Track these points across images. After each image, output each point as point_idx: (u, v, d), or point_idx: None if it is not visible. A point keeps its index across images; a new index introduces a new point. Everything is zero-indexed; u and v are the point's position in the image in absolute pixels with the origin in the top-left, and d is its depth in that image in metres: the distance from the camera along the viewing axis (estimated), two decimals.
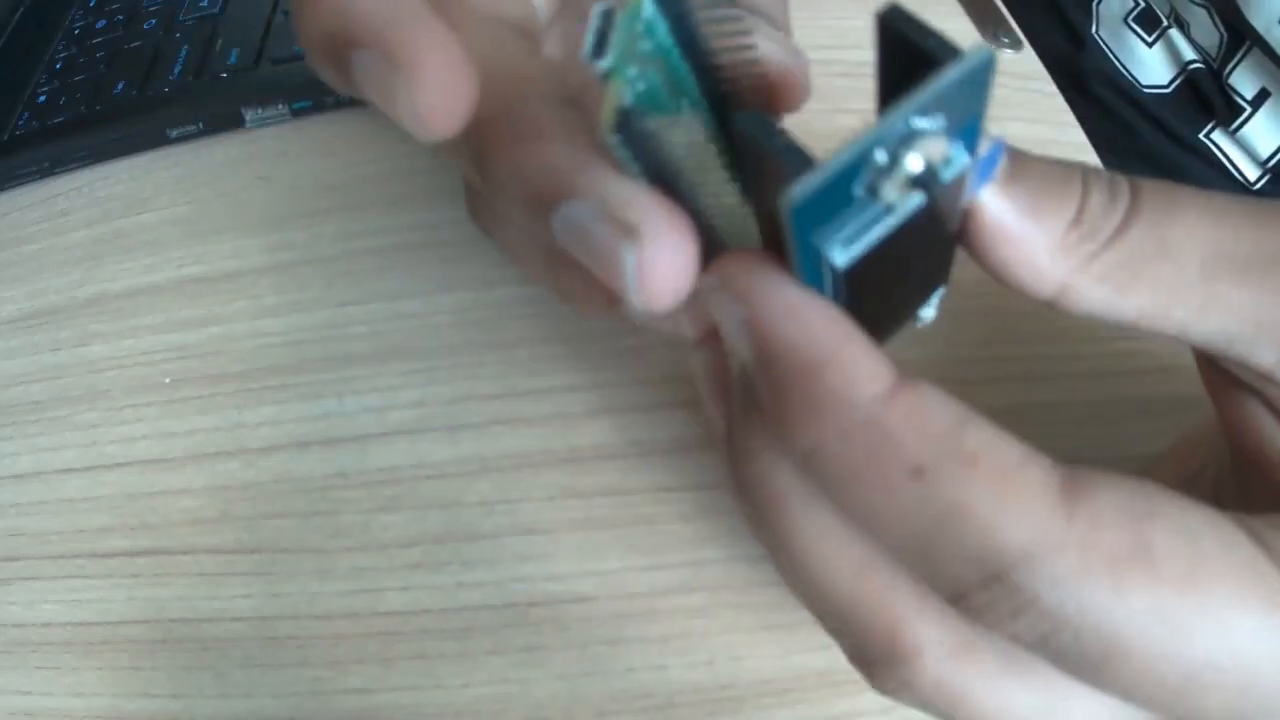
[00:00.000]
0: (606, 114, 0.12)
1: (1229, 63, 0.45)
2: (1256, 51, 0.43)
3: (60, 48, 0.39)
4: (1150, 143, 0.49)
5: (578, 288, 0.20)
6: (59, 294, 0.33)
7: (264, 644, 0.26)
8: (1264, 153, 0.46)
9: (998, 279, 0.15)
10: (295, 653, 0.26)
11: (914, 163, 0.12)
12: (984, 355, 0.29)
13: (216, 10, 0.38)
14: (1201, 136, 0.48)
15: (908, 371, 0.14)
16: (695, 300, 0.18)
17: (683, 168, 0.14)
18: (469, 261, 0.31)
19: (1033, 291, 0.15)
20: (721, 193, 0.14)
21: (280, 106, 0.35)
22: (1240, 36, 0.44)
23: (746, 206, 0.14)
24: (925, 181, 0.12)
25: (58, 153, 0.36)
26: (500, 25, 0.18)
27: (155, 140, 0.36)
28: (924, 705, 0.16)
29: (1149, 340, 0.27)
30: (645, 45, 0.13)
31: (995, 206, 0.14)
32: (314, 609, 0.26)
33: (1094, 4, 0.50)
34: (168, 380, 0.30)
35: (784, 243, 0.13)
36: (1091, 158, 0.34)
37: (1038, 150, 0.15)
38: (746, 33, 0.13)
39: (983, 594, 0.13)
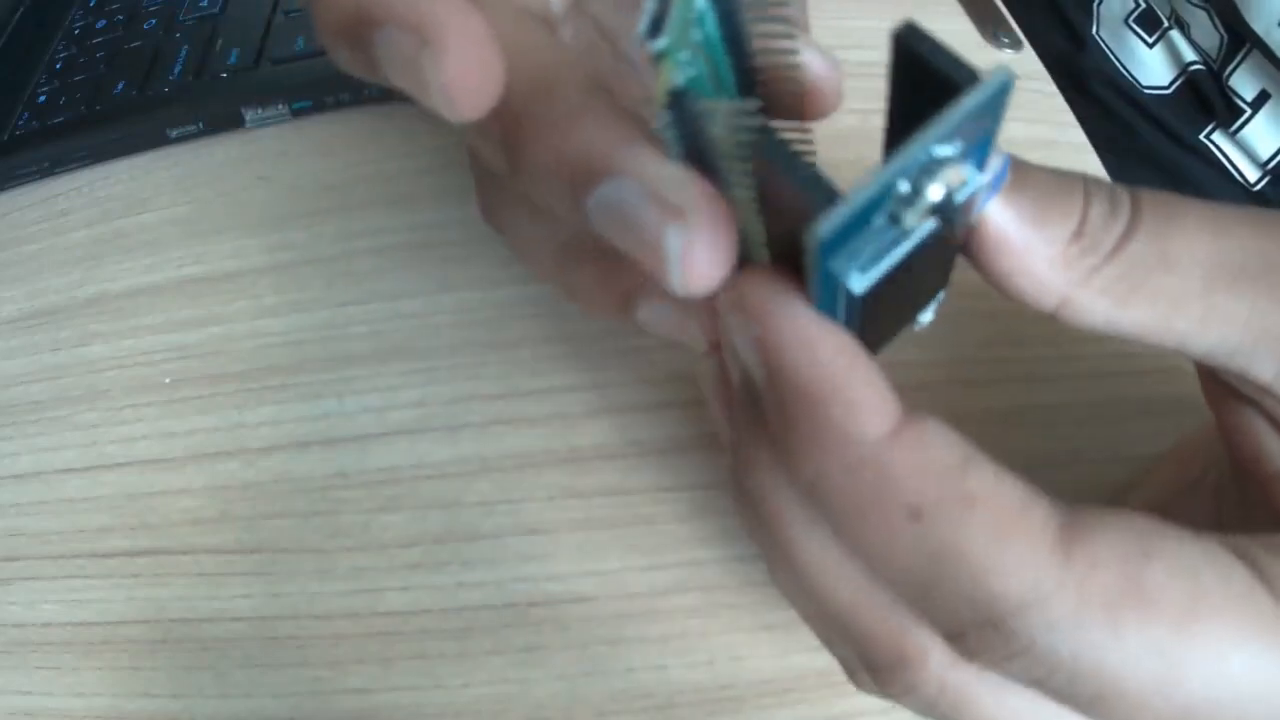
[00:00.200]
0: (659, 92, 0.12)
1: (1229, 64, 0.45)
2: (1256, 53, 0.43)
3: (60, 48, 0.39)
4: (1150, 143, 0.49)
5: (589, 288, 0.20)
6: (59, 294, 0.33)
7: (264, 644, 0.26)
8: (1264, 154, 0.46)
9: (1001, 290, 0.15)
10: (295, 653, 0.26)
11: (935, 191, 0.12)
12: (985, 357, 0.29)
13: (216, 10, 0.38)
14: (1202, 137, 0.48)
15: (913, 401, 0.14)
16: (707, 308, 0.18)
17: (716, 158, 0.14)
18: (470, 261, 0.31)
19: (1035, 303, 0.15)
20: (741, 192, 0.14)
21: (280, 106, 0.35)
22: (1240, 38, 0.44)
23: (760, 215, 0.14)
24: (944, 207, 0.12)
25: (58, 153, 0.36)
26: (522, 12, 0.18)
27: (155, 140, 0.36)
28: (929, 709, 0.16)
29: None
30: (695, 34, 0.13)
31: (999, 218, 0.14)
32: (314, 609, 0.26)
33: (1094, 4, 0.50)
34: (168, 380, 0.30)
35: (803, 266, 0.13)
36: (1091, 158, 0.34)
37: (1038, 151, 0.15)
38: (791, 37, 0.13)
39: (978, 636, 0.13)
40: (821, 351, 0.14)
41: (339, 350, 0.30)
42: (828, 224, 0.11)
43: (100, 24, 0.39)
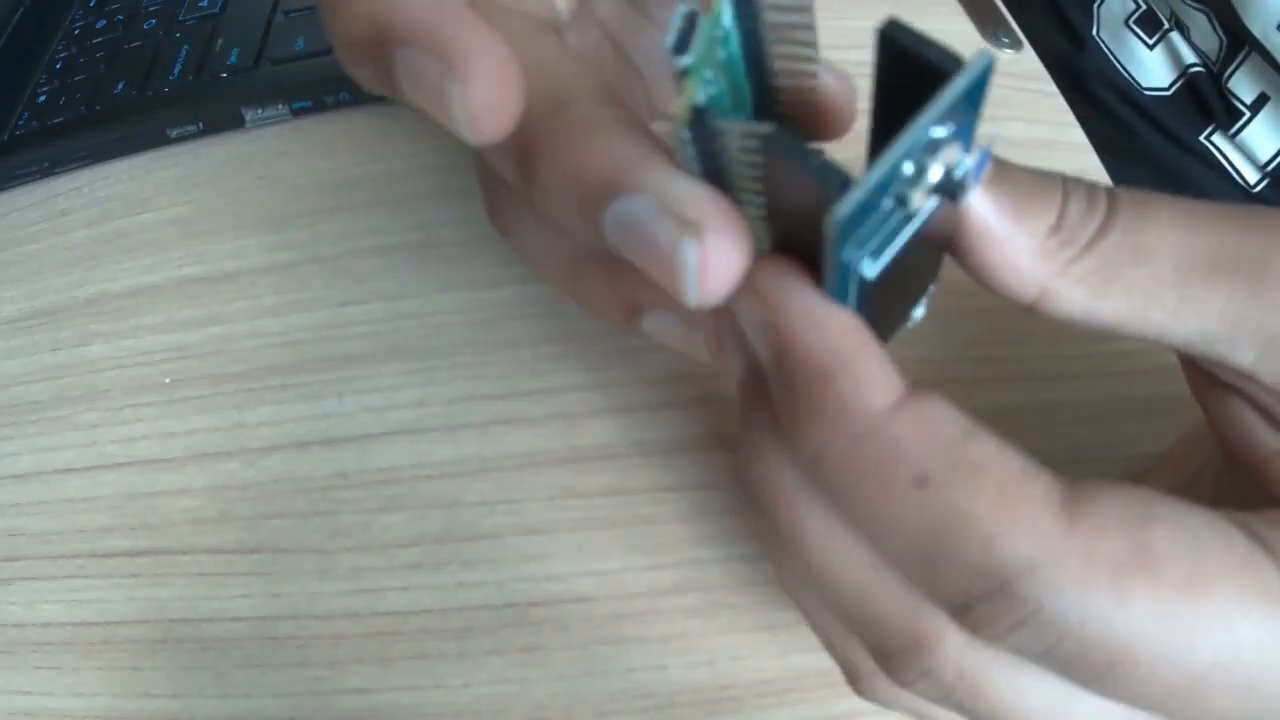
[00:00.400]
0: (681, 109, 0.13)
1: (1228, 67, 0.45)
2: (1255, 56, 0.43)
3: (60, 48, 0.39)
4: (1150, 144, 0.49)
5: (596, 297, 0.20)
6: (59, 294, 0.33)
7: (264, 644, 0.26)
8: (1263, 157, 0.46)
9: (981, 280, 0.15)
10: (295, 653, 0.26)
11: (935, 171, 0.13)
12: (981, 355, 0.29)
13: (216, 10, 0.38)
14: (1201, 139, 0.48)
15: (916, 380, 0.14)
16: (714, 320, 0.18)
17: (731, 175, 0.14)
18: (470, 261, 0.31)
19: (1015, 294, 0.15)
20: (753, 208, 0.14)
21: (280, 106, 0.35)
22: (1239, 41, 0.44)
23: (767, 223, 0.15)
24: (945, 186, 0.13)
25: (58, 153, 0.36)
26: (534, 22, 0.18)
27: (155, 140, 0.36)
28: (943, 696, 0.16)
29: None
30: (720, 53, 0.13)
31: (981, 209, 0.14)
32: (314, 609, 0.26)
33: (1095, 6, 0.50)
34: (168, 380, 0.30)
35: (819, 255, 0.13)
36: (1091, 158, 0.34)
37: (1038, 151, 0.15)
38: (813, 61, 0.14)
39: (986, 606, 0.13)
40: (829, 327, 0.14)
41: (339, 350, 0.30)
42: (845, 206, 0.12)
43: (100, 24, 0.39)
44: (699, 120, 0.13)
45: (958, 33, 0.38)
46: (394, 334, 0.30)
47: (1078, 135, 0.35)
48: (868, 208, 0.12)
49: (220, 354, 0.31)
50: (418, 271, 0.31)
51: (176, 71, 0.36)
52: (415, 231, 0.32)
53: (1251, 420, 0.17)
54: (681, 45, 0.13)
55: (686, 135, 0.13)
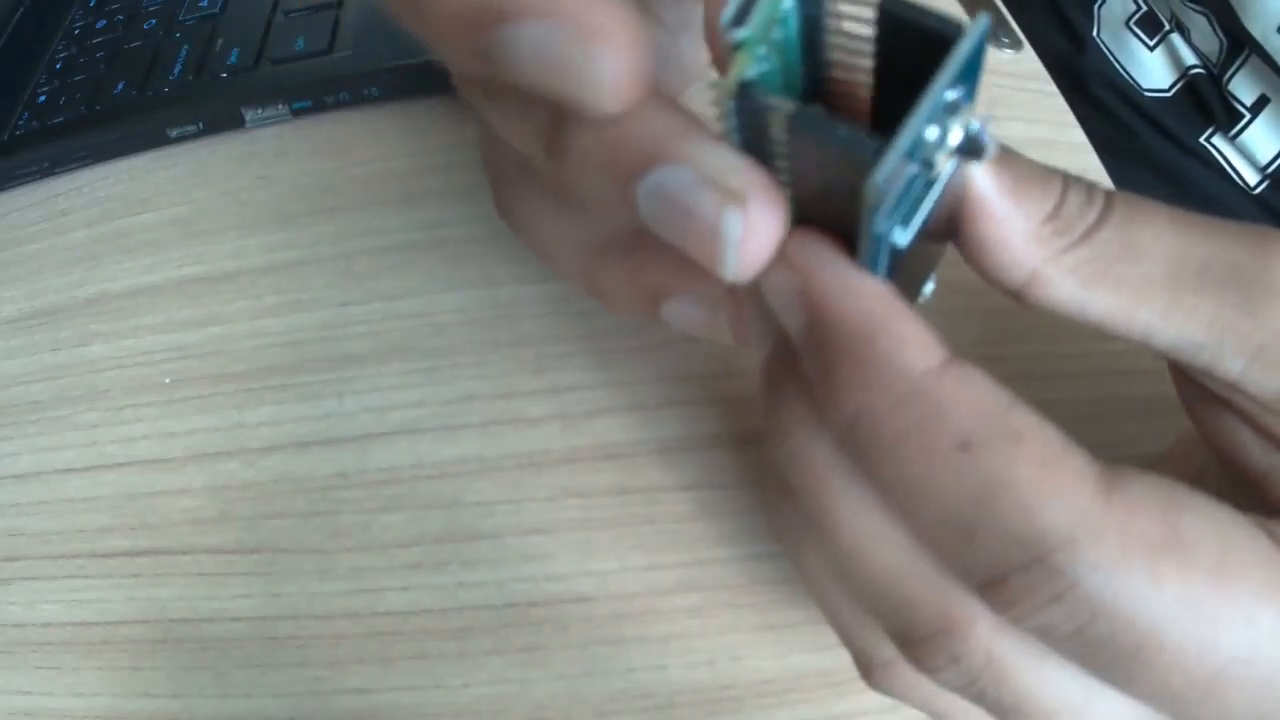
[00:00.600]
0: (729, 81, 0.13)
1: (1229, 69, 0.45)
2: (1255, 59, 0.43)
3: (60, 48, 0.39)
4: (1150, 145, 0.49)
5: (615, 286, 0.20)
6: (59, 294, 0.33)
7: (264, 644, 0.26)
8: (1263, 159, 0.46)
9: (975, 261, 0.15)
10: (295, 653, 0.26)
11: (956, 133, 0.13)
12: (981, 354, 0.28)
13: (216, 10, 0.38)
14: (1201, 140, 0.48)
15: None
16: (738, 302, 0.18)
17: (772, 151, 0.14)
18: (470, 261, 0.31)
19: (1005, 275, 0.15)
20: (789, 185, 0.14)
21: (280, 106, 0.35)
22: (1240, 43, 0.44)
23: (796, 201, 0.15)
24: (966, 146, 0.13)
25: (58, 153, 0.36)
26: None
27: (155, 140, 0.36)
28: (969, 683, 0.15)
29: None
30: (777, 32, 0.13)
31: (984, 185, 0.14)
32: (314, 609, 0.26)
33: (1095, 6, 0.50)
34: (168, 380, 0.30)
35: (846, 231, 0.14)
36: (1091, 158, 0.34)
37: (1038, 151, 0.15)
38: (868, 55, 0.14)
39: (1022, 578, 0.13)
40: (865, 292, 0.14)
41: (339, 350, 0.30)
42: (882, 169, 0.12)
43: (100, 24, 0.39)
44: (744, 94, 0.13)
45: None
46: (394, 334, 0.30)
47: (1078, 135, 0.35)
48: (896, 176, 0.13)
49: (220, 354, 0.31)
50: (418, 271, 0.31)
51: (176, 71, 0.36)
52: (416, 231, 0.32)
53: (1243, 434, 0.17)
54: (739, 18, 0.13)
55: (731, 106, 0.13)
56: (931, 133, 0.13)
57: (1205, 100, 0.47)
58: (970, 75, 0.13)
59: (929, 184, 0.13)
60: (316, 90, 0.35)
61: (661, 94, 0.15)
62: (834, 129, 0.13)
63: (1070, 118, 0.35)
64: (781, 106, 0.13)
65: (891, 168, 0.12)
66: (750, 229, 0.14)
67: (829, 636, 0.25)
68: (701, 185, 0.14)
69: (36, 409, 0.30)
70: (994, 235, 0.15)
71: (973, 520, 0.13)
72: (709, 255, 0.14)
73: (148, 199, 0.35)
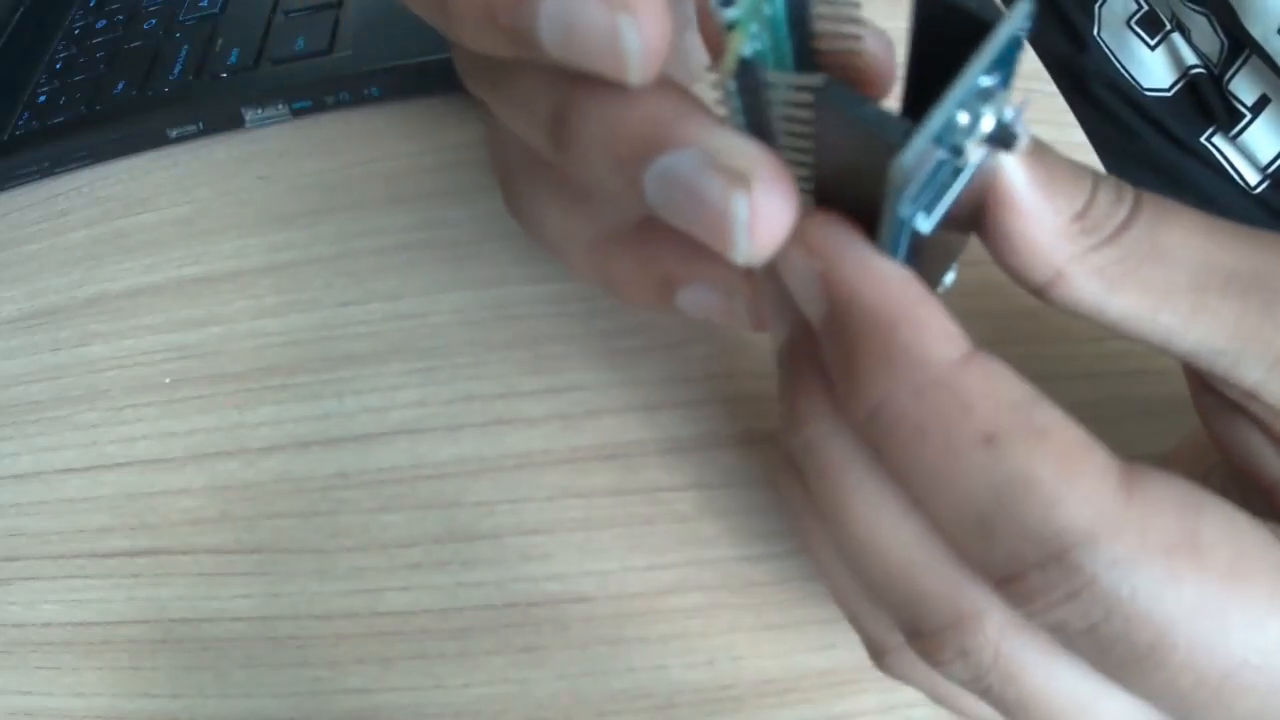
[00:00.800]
0: (728, 62, 0.13)
1: (1229, 69, 0.45)
2: (1255, 59, 0.43)
3: (60, 48, 0.39)
4: (1150, 145, 0.49)
5: (627, 278, 0.20)
6: (59, 294, 0.33)
7: (264, 644, 0.26)
8: (1264, 159, 0.46)
9: (1001, 256, 0.15)
10: (295, 653, 0.26)
11: (988, 120, 0.13)
12: None
13: (216, 10, 0.38)
14: (1202, 140, 0.48)
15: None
16: (755, 285, 0.18)
17: (775, 129, 0.14)
18: (469, 261, 0.31)
19: (1031, 272, 0.15)
20: (797, 164, 0.14)
21: (280, 106, 0.35)
22: (1240, 43, 0.44)
23: (805, 181, 0.15)
24: (998, 135, 0.13)
25: (58, 153, 0.36)
26: None
27: (155, 140, 0.36)
28: (976, 679, 0.15)
29: None
30: (765, 9, 0.13)
31: (1015, 177, 0.14)
32: (314, 609, 0.26)
33: (1096, 6, 0.50)
34: (168, 380, 0.30)
35: (867, 213, 0.13)
36: (1092, 158, 0.34)
37: None
38: (856, 22, 0.14)
39: (1039, 574, 0.13)
40: (888, 277, 0.14)
41: (339, 350, 0.30)
42: (909, 153, 0.12)
43: (100, 24, 0.39)
44: (746, 73, 0.13)
45: None
46: (394, 334, 0.30)
47: (1078, 135, 0.35)
48: (923, 161, 0.13)
49: (220, 354, 0.31)
50: (418, 271, 0.31)
51: (176, 71, 0.36)
52: (415, 231, 0.32)
53: (1259, 443, 0.17)
54: None
55: (733, 87, 0.13)
56: (963, 118, 0.13)
57: (1206, 100, 0.47)
58: (1006, 63, 0.13)
59: (956, 171, 0.13)
60: (316, 90, 0.35)
61: (666, 79, 0.15)
62: (862, 106, 0.13)
63: (1070, 118, 0.35)
64: (784, 81, 0.13)
65: (919, 151, 0.12)
66: (759, 211, 0.13)
67: (829, 636, 0.25)
68: (708, 168, 0.14)
69: (36, 409, 0.30)
70: (1021, 230, 0.14)
71: (993, 515, 0.13)
72: (719, 239, 0.14)
73: (148, 199, 0.35)
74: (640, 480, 0.27)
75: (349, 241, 0.32)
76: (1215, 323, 0.15)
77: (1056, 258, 0.15)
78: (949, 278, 0.17)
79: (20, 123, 0.36)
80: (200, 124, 0.35)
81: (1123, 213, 0.15)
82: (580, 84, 0.15)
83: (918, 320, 0.14)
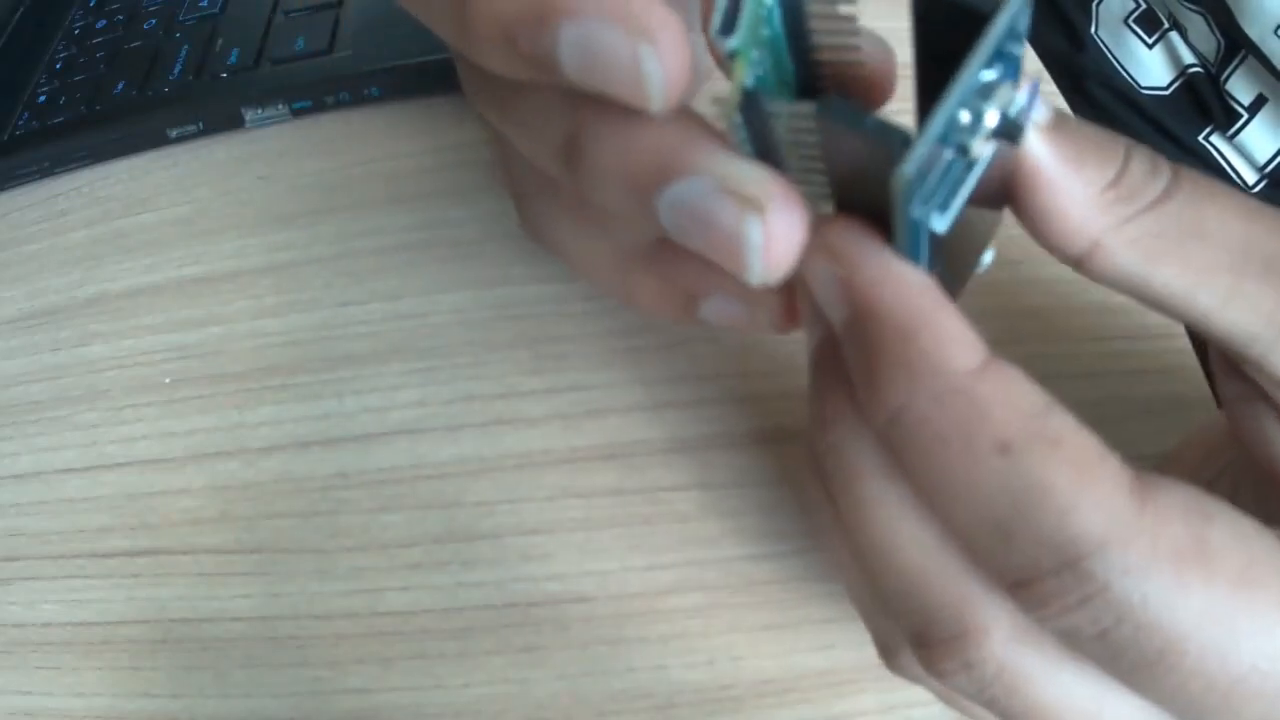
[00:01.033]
0: (733, 93, 0.13)
1: (1226, 68, 0.45)
2: (1252, 59, 0.43)
3: (60, 48, 0.39)
4: (1147, 144, 0.49)
5: (651, 294, 0.20)
6: (59, 294, 0.33)
7: (264, 644, 0.26)
8: (1261, 158, 0.46)
9: (1033, 230, 0.15)
10: (295, 653, 0.26)
11: (991, 116, 0.13)
12: None
13: (216, 10, 0.38)
14: (1200, 139, 0.48)
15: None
16: (781, 291, 0.18)
17: (782, 152, 0.14)
18: (469, 261, 0.31)
19: (1065, 244, 0.15)
20: (807, 185, 0.14)
21: (280, 106, 0.35)
22: (1237, 43, 0.44)
23: (821, 200, 0.15)
24: (1003, 129, 0.13)
25: (58, 153, 0.36)
26: None
27: (155, 140, 0.36)
28: (980, 691, 0.15)
29: (1148, 340, 0.27)
30: (764, 31, 0.13)
31: (1039, 153, 0.14)
32: (314, 609, 0.26)
33: (1094, 4, 0.50)
34: (168, 380, 0.30)
35: (884, 218, 0.14)
36: None
37: None
38: (855, 33, 0.14)
39: (1052, 580, 0.13)
40: (907, 284, 0.14)
41: (339, 350, 0.30)
42: (910, 162, 0.12)
43: (100, 24, 0.39)
44: (750, 104, 0.13)
45: None
46: (394, 334, 0.30)
47: None
48: (931, 162, 0.13)
49: (220, 354, 0.31)
50: (418, 271, 0.31)
51: (176, 71, 0.36)
52: (415, 231, 0.32)
53: (1278, 435, 0.17)
54: (727, 26, 0.13)
55: (738, 119, 0.14)
56: (965, 117, 0.13)
57: (1203, 99, 0.47)
58: (1009, 54, 0.13)
59: (969, 166, 0.13)
60: (316, 90, 0.35)
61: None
62: (862, 119, 0.13)
63: (1070, 116, 0.35)
64: (786, 110, 0.13)
65: (921, 159, 0.12)
66: (772, 235, 0.14)
67: (829, 636, 0.25)
68: (720, 195, 0.14)
69: (36, 409, 0.30)
70: (1051, 204, 0.14)
71: (1008, 522, 0.13)
72: (733, 262, 0.14)
73: (148, 199, 0.35)
74: (640, 480, 0.27)
75: (349, 241, 0.32)
76: (1253, 307, 0.15)
77: (1092, 228, 0.15)
78: (987, 257, 0.17)
79: (20, 123, 0.36)
80: (200, 124, 0.35)
81: (1160, 184, 0.15)
82: (593, 108, 0.15)
83: (937, 329, 0.14)
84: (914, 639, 0.16)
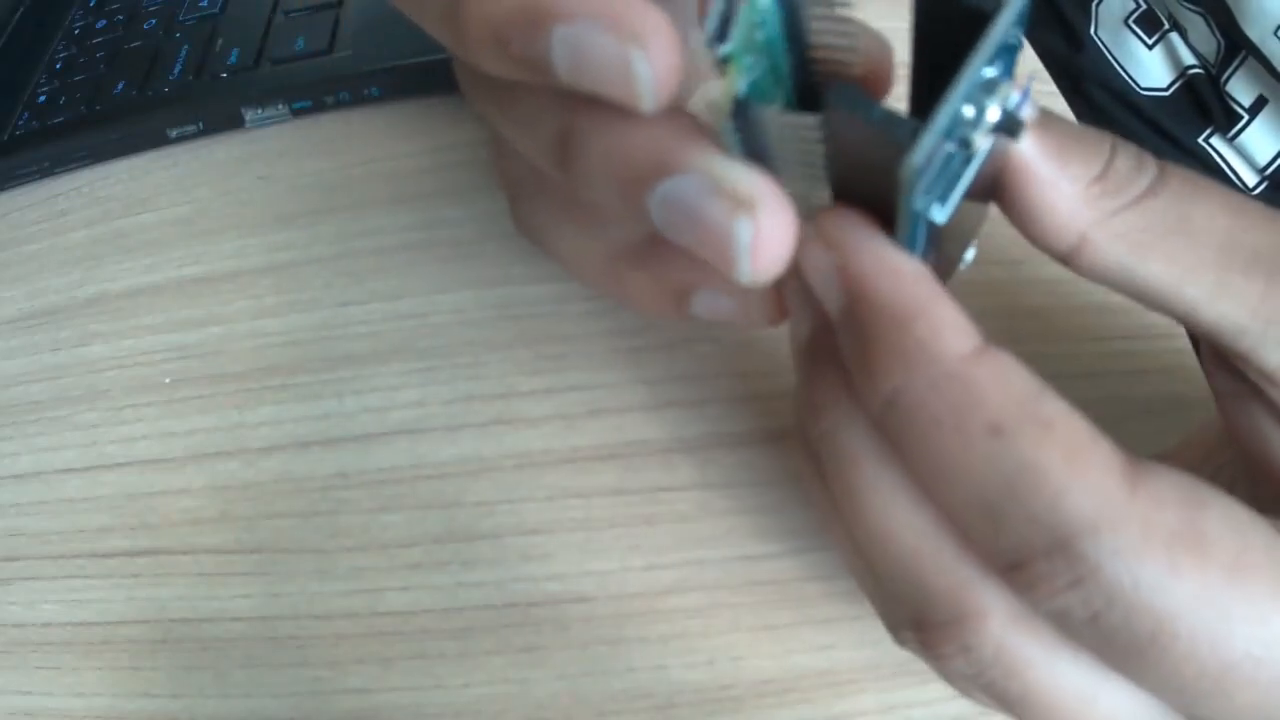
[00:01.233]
0: (723, 100, 0.13)
1: (1226, 69, 0.45)
2: (1253, 60, 0.43)
3: (60, 48, 0.39)
4: (1146, 147, 0.49)
5: (642, 292, 0.20)
6: (59, 294, 0.33)
7: (264, 644, 0.26)
8: (1262, 160, 0.46)
9: (1021, 226, 0.15)
10: (295, 653, 0.26)
11: (993, 110, 0.13)
12: None
13: (216, 10, 0.38)
14: (1199, 141, 0.48)
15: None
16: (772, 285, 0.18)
17: (773, 155, 0.14)
18: (469, 261, 0.31)
19: (1053, 238, 0.15)
20: (796, 186, 0.15)
21: (280, 106, 0.35)
22: (1237, 44, 0.44)
23: (810, 194, 0.15)
24: (1004, 124, 0.13)
25: (58, 153, 0.36)
26: None
27: (155, 140, 0.36)
28: (976, 675, 0.16)
29: (1148, 340, 0.27)
30: (759, 35, 0.13)
31: (1026, 150, 0.15)
32: (314, 609, 0.26)
33: (1093, 4, 0.50)
34: (168, 380, 0.30)
35: (882, 210, 0.14)
36: None
37: None
38: (853, 33, 0.14)
39: (1044, 563, 0.14)
40: (904, 272, 0.14)
41: (339, 350, 0.30)
42: (918, 152, 0.12)
43: (100, 24, 0.39)
44: (740, 111, 0.13)
45: None
46: (394, 334, 0.30)
47: None
48: (934, 153, 0.13)
49: (220, 354, 0.31)
50: (418, 271, 0.31)
51: (176, 71, 0.36)
52: (415, 231, 0.32)
53: (1270, 429, 0.17)
54: (721, 33, 0.13)
55: (729, 126, 0.14)
56: (969, 111, 0.13)
57: (1204, 100, 0.47)
58: (1008, 52, 0.13)
59: (966, 160, 0.14)
60: (316, 90, 0.35)
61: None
62: (870, 109, 0.13)
63: (1070, 117, 0.35)
64: (779, 120, 0.13)
65: (928, 150, 0.12)
66: (762, 235, 0.14)
67: (829, 636, 0.25)
68: (711, 193, 0.14)
69: (36, 409, 0.30)
70: (1039, 198, 0.15)
71: (1001, 504, 0.14)
72: (723, 261, 0.14)
73: (148, 199, 0.35)
74: (641, 480, 0.27)
75: (349, 241, 0.32)
76: (1239, 300, 0.15)
77: (1078, 222, 0.15)
78: (970, 254, 0.17)
79: (20, 123, 0.36)
80: (200, 124, 0.35)
81: (1145, 180, 0.15)
82: (585, 106, 0.15)
83: (933, 315, 0.14)
84: (912, 623, 0.16)
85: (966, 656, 0.15)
